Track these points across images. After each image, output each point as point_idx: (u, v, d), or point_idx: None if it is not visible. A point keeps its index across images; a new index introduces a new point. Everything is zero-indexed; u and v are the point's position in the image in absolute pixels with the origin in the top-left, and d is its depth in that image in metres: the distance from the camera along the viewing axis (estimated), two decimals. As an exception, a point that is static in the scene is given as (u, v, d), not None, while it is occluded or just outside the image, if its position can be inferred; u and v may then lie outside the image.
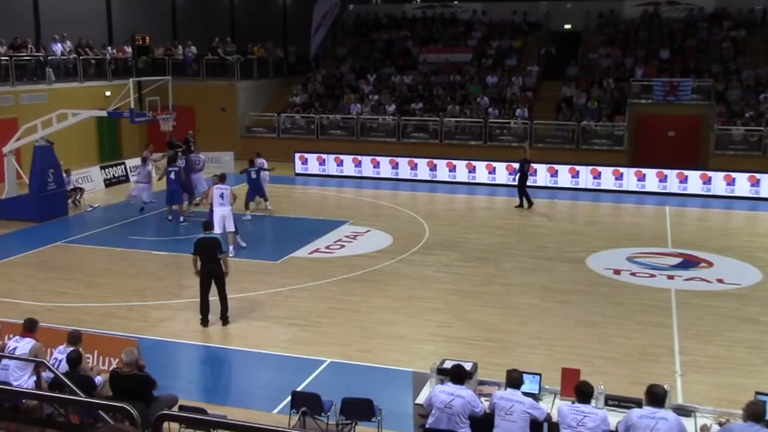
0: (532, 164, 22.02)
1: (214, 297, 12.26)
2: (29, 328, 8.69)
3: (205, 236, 12.34)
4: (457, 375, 7.60)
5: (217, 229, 14.84)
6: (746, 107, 25.97)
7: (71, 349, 8.35)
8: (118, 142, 29.30)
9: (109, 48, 29.64)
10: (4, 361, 8.30)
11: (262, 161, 20.48)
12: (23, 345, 8.43)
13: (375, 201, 22.09)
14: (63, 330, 9.15)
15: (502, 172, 24.47)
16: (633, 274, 15.24)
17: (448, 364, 7.91)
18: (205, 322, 12.25)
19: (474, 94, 29.22)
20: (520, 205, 21.28)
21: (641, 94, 27.41)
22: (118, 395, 7.88)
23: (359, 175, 25.90)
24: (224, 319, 12.35)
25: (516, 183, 21.62)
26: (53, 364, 8.17)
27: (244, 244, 16.71)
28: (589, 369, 9.53)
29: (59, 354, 8.48)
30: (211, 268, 12.12)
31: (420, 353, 10.97)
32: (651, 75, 27.98)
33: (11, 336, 9.01)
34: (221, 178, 16.55)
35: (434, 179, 25.34)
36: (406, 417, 8.41)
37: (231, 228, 15.93)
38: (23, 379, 8.16)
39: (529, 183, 21.70)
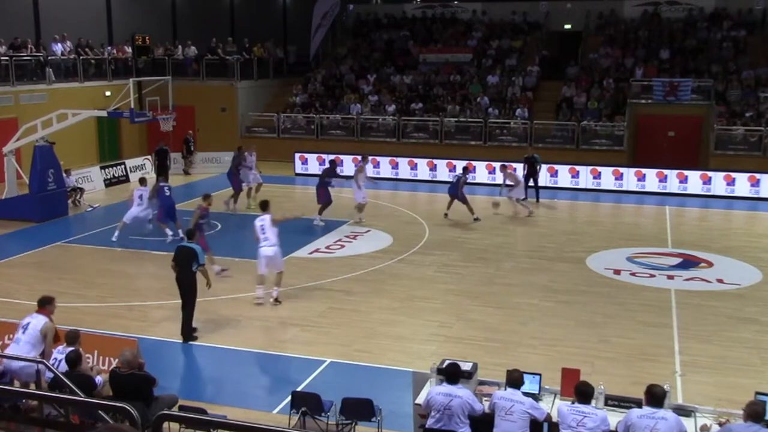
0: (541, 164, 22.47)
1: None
2: (42, 305, 9.10)
3: (184, 245, 12.05)
4: (452, 374, 7.59)
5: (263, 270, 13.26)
6: (746, 107, 25.97)
7: (70, 349, 8.35)
8: (118, 142, 29.31)
9: (109, 48, 29.65)
10: (17, 335, 8.78)
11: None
12: (37, 320, 8.88)
13: (375, 201, 22.06)
14: (62, 330, 9.15)
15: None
16: (633, 274, 15.24)
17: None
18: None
19: (474, 94, 29.20)
20: (535, 200, 21.90)
21: (641, 94, 27.42)
22: (118, 395, 7.88)
23: (359, 175, 25.84)
24: (184, 335, 11.55)
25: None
26: (53, 364, 8.18)
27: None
28: (589, 369, 9.55)
29: (59, 354, 8.49)
30: (182, 278, 11.73)
31: (420, 353, 10.98)
32: (651, 75, 27.96)
33: (11, 336, 9.05)
34: (263, 207, 13.68)
35: (434, 179, 25.34)
36: (406, 417, 8.41)
37: (280, 268, 13.48)
38: (31, 354, 8.58)
39: (529, 183, 21.81)
